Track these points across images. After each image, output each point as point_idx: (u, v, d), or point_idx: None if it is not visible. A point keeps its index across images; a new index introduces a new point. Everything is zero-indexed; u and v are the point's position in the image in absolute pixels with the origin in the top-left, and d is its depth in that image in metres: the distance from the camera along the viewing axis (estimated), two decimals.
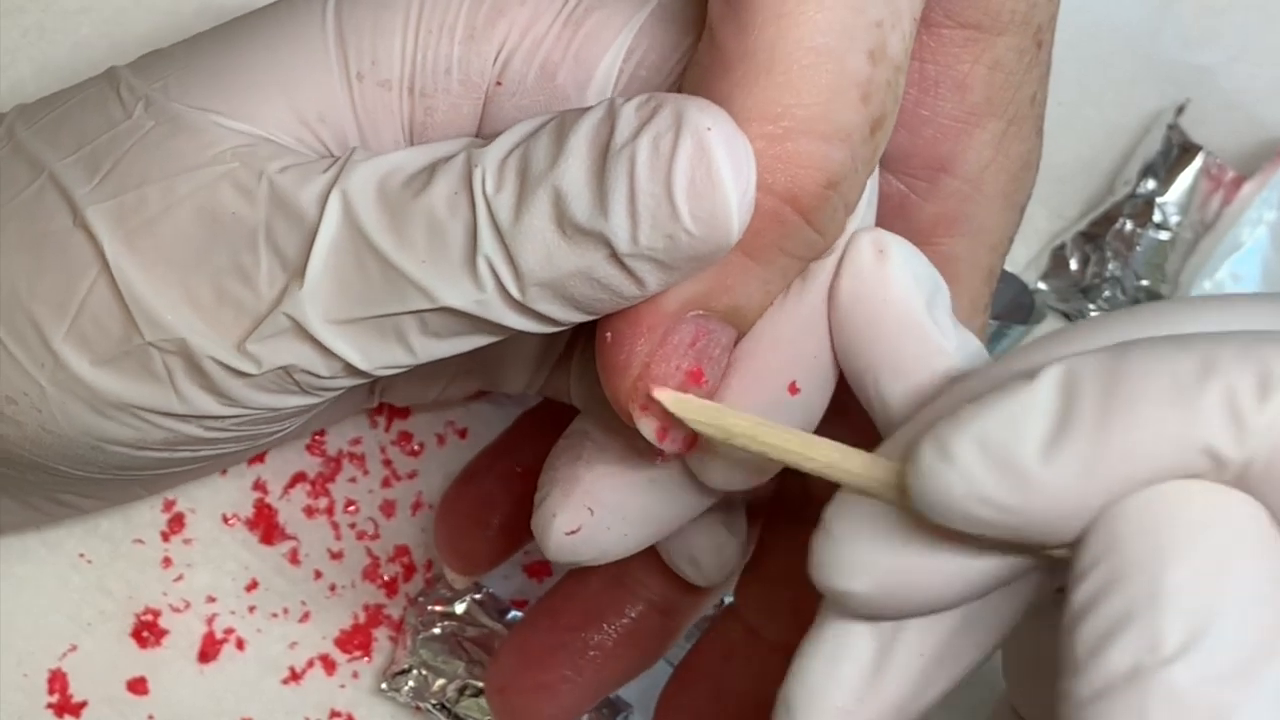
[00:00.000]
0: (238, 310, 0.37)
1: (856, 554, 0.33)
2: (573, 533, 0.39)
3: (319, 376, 0.37)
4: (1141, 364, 0.30)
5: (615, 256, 0.35)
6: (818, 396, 0.38)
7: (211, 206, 0.37)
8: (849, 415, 0.38)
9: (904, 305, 0.36)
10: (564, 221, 0.35)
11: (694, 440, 0.37)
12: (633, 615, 0.45)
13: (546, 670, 0.44)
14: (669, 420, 0.36)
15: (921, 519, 0.32)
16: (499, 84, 0.38)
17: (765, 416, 0.36)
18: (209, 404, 0.38)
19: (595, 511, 0.39)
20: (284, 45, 0.40)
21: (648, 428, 0.36)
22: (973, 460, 0.30)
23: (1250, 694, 0.28)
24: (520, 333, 0.37)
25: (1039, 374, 0.31)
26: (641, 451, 0.38)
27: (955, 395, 0.34)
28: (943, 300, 0.37)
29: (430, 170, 0.36)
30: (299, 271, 0.37)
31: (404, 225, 0.36)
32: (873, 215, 0.38)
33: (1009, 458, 0.30)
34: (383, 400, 0.49)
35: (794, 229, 0.35)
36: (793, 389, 0.37)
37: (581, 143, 0.35)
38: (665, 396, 0.36)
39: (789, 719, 0.34)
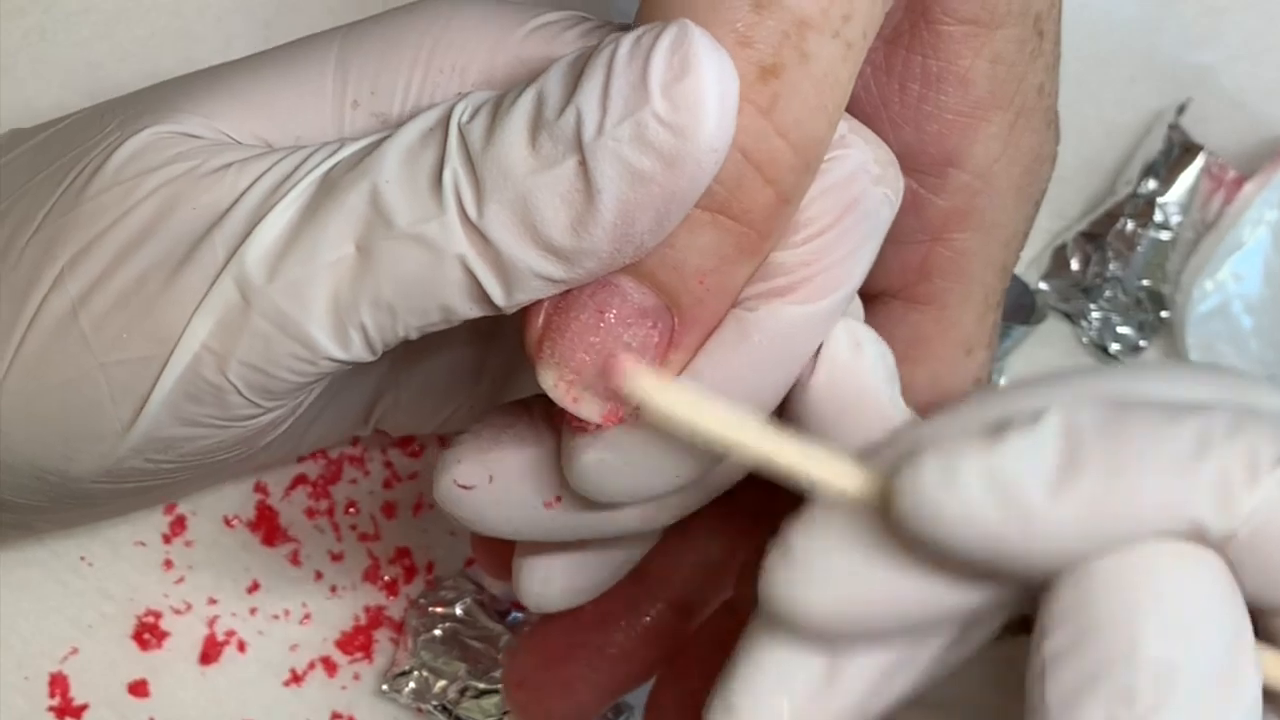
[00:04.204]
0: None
1: (817, 572, 0.34)
2: (464, 488, 0.38)
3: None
4: (1143, 429, 0.32)
5: (581, 164, 0.34)
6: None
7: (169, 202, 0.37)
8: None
9: (875, 398, 0.37)
10: (537, 126, 0.34)
11: (616, 415, 0.36)
12: (651, 615, 0.45)
13: (565, 668, 0.44)
14: (580, 387, 0.35)
15: (892, 541, 0.33)
16: None
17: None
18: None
19: (495, 480, 0.38)
20: (285, 65, 0.40)
21: (548, 380, 0.35)
22: (977, 485, 0.32)
23: None
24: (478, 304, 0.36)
25: (1043, 416, 0.32)
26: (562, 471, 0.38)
27: (947, 424, 0.35)
28: (897, 385, 0.38)
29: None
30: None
31: (369, 164, 0.36)
32: (871, 249, 0.37)
33: (1016, 490, 0.32)
34: (378, 428, 0.49)
35: None
36: None
37: (568, 59, 0.35)
38: (636, 373, 0.35)
39: None
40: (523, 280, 0.35)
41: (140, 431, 0.37)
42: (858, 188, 0.36)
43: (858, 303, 0.39)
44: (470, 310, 0.35)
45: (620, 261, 0.35)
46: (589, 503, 0.38)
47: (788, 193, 0.35)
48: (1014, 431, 0.32)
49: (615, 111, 0.33)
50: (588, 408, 0.35)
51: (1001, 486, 0.32)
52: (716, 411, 0.34)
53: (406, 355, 0.46)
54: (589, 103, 0.34)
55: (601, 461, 0.36)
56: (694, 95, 0.33)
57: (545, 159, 0.34)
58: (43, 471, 0.39)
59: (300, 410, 0.40)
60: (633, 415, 0.36)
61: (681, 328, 0.35)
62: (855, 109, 0.39)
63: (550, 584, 0.41)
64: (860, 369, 0.37)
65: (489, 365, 0.47)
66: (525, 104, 0.35)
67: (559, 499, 0.38)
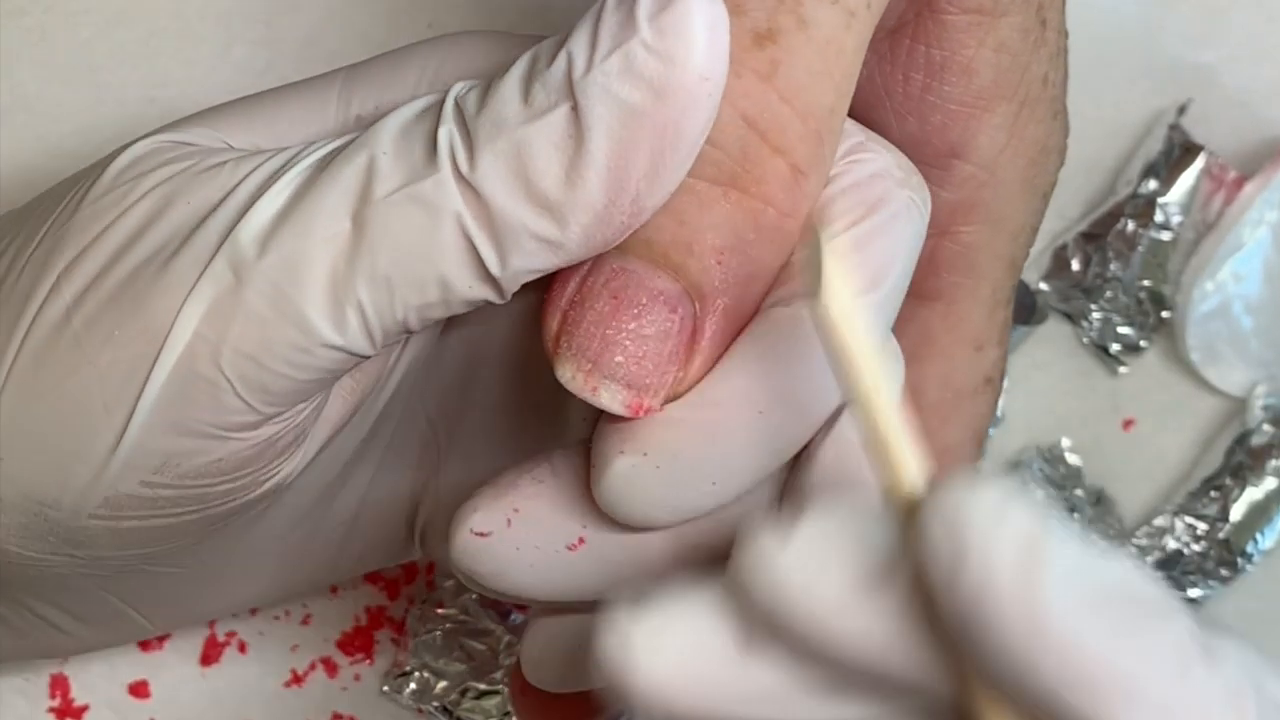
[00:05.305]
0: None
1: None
2: (482, 535, 0.37)
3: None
4: None
5: (573, 110, 0.34)
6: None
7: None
8: None
9: None
10: (530, 79, 0.34)
11: (638, 405, 0.35)
12: None
13: None
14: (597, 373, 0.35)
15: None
16: None
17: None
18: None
19: (513, 524, 0.37)
20: (290, 89, 0.40)
21: (565, 372, 0.35)
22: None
23: None
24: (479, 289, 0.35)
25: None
26: (586, 506, 0.37)
27: None
28: None
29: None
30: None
31: (365, 138, 0.36)
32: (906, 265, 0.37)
33: None
34: (429, 556, 0.47)
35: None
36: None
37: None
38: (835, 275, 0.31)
39: None
40: (517, 240, 0.34)
41: (133, 440, 0.36)
42: (882, 188, 0.36)
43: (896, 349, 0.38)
44: (469, 285, 0.35)
45: (617, 220, 0.34)
46: (615, 543, 0.37)
47: (801, 164, 0.35)
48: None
49: (604, 47, 0.33)
50: (608, 397, 0.35)
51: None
52: (869, 351, 0.31)
53: (439, 455, 0.45)
54: (579, 45, 0.34)
55: (634, 468, 0.35)
56: (681, 22, 0.33)
57: (537, 108, 0.34)
58: (39, 505, 0.37)
59: (308, 459, 0.39)
60: (658, 406, 0.35)
61: (704, 314, 0.35)
62: (858, 99, 0.39)
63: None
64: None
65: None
66: (520, 64, 0.35)
67: (582, 540, 0.37)
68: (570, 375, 0.35)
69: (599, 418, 0.36)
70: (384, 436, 0.43)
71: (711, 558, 0.37)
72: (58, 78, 0.52)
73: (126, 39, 0.52)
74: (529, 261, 0.35)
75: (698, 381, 0.35)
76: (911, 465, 0.30)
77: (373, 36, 0.52)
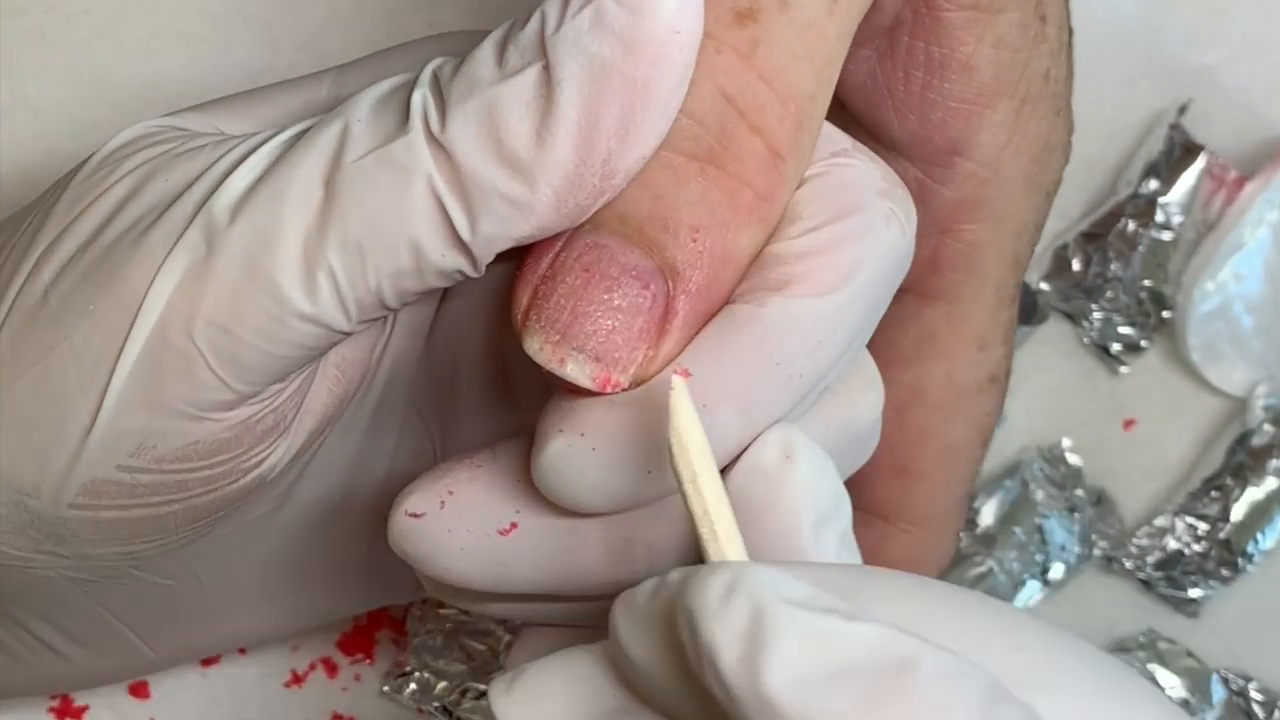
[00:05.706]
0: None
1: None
2: (416, 516, 0.36)
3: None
4: None
5: (544, 69, 0.33)
6: None
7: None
8: None
9: (789, 519, 0.34)
10: (505, 43, 0.34)
11: (607, 379, 0.34)
12: None
13: None
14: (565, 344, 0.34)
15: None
16: None
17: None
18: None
19: (447, 506, 0.36)
20: (284, 85, 0.40)
21: (533, 344, 0.34)
22: None
23: None
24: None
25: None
26: (521, 491, 0.36)
27: None
28: (839, 524, 0.35)
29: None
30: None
31: (342, 108, 0.36)
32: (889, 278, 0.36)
33: None
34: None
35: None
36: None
37: None
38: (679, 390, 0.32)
39: None
40: (487, 201, 0.34)
41: (107, 419, 0.36)
42: (859, 193, 0.36)
43: (874, 371, 0.38)
44: (441, 252, 0.34)
45: (589, 182, 0.34)
46: (548, 531, 0.36)
47: (779, 147, 0.34)
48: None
49: (575, 3, 0.33)
50: (575, 369, 0.34)
51: None
52: (704, 454, 0.32)
53: (436, 461, 0.43)
54: (552, 4, 0.33)
55: (569, 447, 0.34)
56: None
57: (510, 68, 0.34)
58: (19, 494, 0.37)
59: (293, 452, 0.38)
60: (625, 383, 0.34)
61: (677, 293, 0.34)
62: (860, 97, 0.39)
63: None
64: (782, 483, 0.34)
65: None
66: (497, 31, 0.34)
67: (515, 525, 0.36)
68: (538, 347, 0.34)
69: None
70: (385, 448, 0.43)
71: (646, 554, 0.36)
72: (58, 78, 0.52)
73: (126, 39, 0.52)
74: (500, 226, 0.34)
75: (669, 363, 0.34)
76: (734, 547, 0.31)
77: (372, 37, 0.52)
